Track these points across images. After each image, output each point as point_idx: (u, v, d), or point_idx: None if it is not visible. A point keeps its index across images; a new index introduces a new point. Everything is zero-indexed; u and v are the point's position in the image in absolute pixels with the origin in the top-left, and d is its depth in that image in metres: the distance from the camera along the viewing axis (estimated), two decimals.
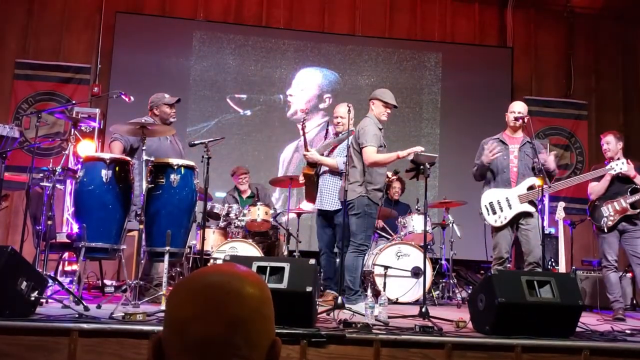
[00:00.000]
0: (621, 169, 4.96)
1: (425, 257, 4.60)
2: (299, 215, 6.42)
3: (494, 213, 4.77)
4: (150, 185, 4.15)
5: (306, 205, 7.56)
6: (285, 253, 6.19)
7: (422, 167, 4.54)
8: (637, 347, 3.33)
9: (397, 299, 5.61)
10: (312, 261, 3.46)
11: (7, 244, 5.66)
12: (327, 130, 6.04)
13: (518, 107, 4.95)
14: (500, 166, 4.85)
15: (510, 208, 4.72)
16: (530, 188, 4.70)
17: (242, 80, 8.21)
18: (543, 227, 4.64)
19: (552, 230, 6.76)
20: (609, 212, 5.11)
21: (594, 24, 8.91)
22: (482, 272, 7.24)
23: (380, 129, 4.95)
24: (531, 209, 4.68)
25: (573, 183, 5.38)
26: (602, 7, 8.83)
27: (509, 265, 4.93)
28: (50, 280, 4.02)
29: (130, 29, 8.02)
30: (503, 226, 4.75)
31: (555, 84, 8.83)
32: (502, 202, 4.76)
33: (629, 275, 5.81)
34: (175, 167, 4.27)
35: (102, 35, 7.99)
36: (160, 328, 2.90)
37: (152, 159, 4.20)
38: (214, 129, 7.92)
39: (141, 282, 4.10)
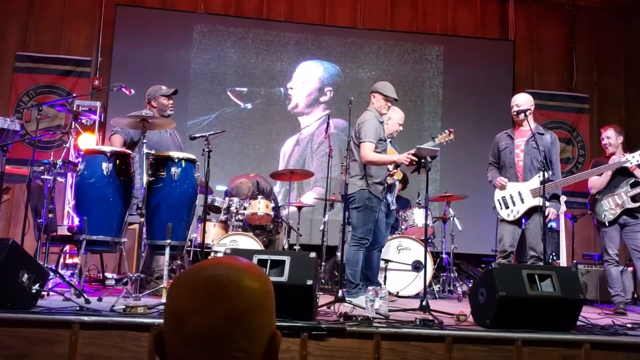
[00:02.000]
0: (638, 161, 4.87)
1: (426, 251, 4.60)
2: (299, 208, 6.42)
3: (507, 207, 4.77)
4: (151, 179, 4.15)
5: (307, 199, 7.56)
6: (286, 246, 6.19)
7: (423, 160, 4.53)
8: (638, 341, 3.33)
9: (397, 292, 5.61)
10: (313, 254, 3.46)
11: (9, 236, 5.67)
12: (327, 123, 6.02)
13: (516, 100, 4.92)
14: (507, 161, 4.84)
15: (523, 202, 4.71)
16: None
17: (243, 73, 8.19)
18: (544, 220, 4.58)
19: (554, 224, 6.75)
20: (609, 205, 5.10)
21: (596, 17, 8.87)
22: (482, 265, 7.24)
23: (380, 122, 4.94)
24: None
25: (582, 179, 5.23)
26: (604, 0, 8.79)
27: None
28: (51, 273, 4.02)
29: (131, 22, 8.00)
30: (512, 220, 4.75)
31: (557, 77, 8.80)
32: (514, 197, 4.75)
33: (630, 269, 5.80)
34: (176, 160, 4.27)
35: (103, 28, 7.97)
36: (161, 321, 2.90)
37: (153, 152, 4.20)
38: (215, 122, 7.91)
39: (142, 275, 4.10)
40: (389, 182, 5.10)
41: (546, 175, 4.44)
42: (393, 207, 5.29)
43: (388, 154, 5.10)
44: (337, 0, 8.54)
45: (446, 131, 5.23)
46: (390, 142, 5.37)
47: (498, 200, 4.83)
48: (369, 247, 4.89)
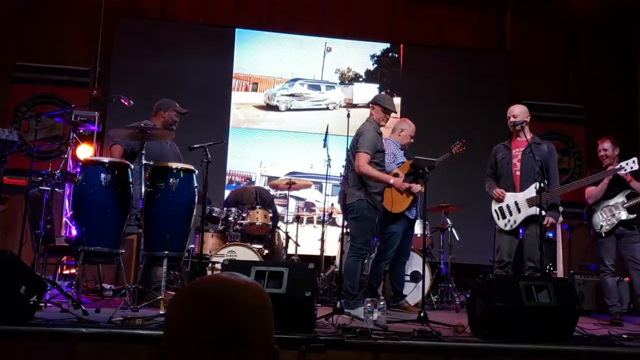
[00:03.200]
0: (632, 167, 4.86)
1: (424, 262, 4.61)
2: (298, 218, 6.43)
3: (504, 217, 4.79)
4: (149, 189, 4.15)
5: (305, 209, 7.57)
6: (284, 257, 6.19)
7: (421, 171, 4.56)
8: (634, 351, 3.34)
9: None
10: (311, 265, 3.47)
11: (6, 247, 5.63)
12: (326, 133, 6.03)
13: (513, 111, 4.96)
14: (504, 171, 4.87)
15: (519, 212, 4.73)
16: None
17: (242, 84, 8.23)
18: (541, 229, 4.58)
19: (550, 235, 6.76)
20: (605, 216, 5.11)
21: (593, 29, 8.92)
22: (480, 276, 7.23)
23: (379, 134, 4.96)
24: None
25: (578, 187, 5.22)
26: (601, 12, 8.85)
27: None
28: (49, 284, 4.01)
29: (130, 33, 8.02)
30: (509, 230, 4.76)
31: (553, 88, 8.84)
32: (511, 206, 4.77)
33: (626, 279, 5.81)
34: (175, 171, 4.27)
35: (102, 38, 8.00)
36: (159, 332, 2.91)
37: (151, 162, 4.20)
38: (214, 132, 7.91)
39: (140, 286, 4.09)
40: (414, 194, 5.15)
41: (542, 185, 4.45)
42: (412, 217, 5.33)
43: (403, 167, 5.16)
44: (336, 11, 8.59)
45: (458, 142, 5.31)
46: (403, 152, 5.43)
47: (495, 210, 4.85)
48: (380, 260, 4.97)
